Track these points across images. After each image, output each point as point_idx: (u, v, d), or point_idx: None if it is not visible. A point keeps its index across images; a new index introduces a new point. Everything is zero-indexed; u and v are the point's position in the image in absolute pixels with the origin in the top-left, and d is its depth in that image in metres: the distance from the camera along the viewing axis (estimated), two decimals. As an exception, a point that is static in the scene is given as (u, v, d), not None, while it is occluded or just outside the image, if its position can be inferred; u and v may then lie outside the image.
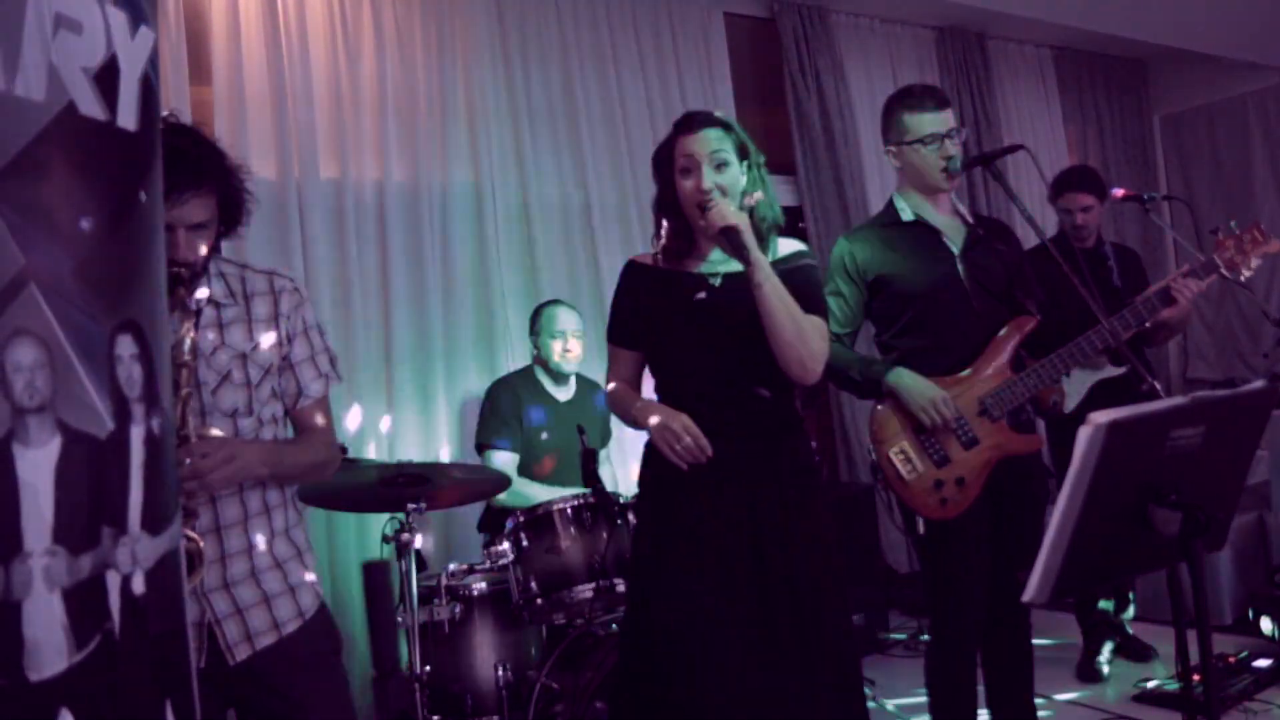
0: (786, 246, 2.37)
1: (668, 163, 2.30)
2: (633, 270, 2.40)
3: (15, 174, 0.99)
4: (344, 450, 2.99)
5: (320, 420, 2.09)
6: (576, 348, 3.61)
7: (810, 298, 2.27)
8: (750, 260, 2.14)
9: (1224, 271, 2.89)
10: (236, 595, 1.93)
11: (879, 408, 2.68)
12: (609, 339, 2.44)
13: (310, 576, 2.05)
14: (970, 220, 2.80)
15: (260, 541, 1.97)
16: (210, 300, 1.95)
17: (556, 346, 3.59)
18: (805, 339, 2.19)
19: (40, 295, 1.01)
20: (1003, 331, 2.69)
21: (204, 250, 1.86)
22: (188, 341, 1.78)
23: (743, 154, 2.28)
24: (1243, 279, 2.92)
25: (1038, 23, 5.76)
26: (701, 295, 2.28)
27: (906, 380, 2.62)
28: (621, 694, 2.29)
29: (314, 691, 2.01)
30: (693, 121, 2.28)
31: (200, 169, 1.82)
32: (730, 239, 2.15)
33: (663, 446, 2.18)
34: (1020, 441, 2.68)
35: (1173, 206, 6.13)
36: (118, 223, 1.13)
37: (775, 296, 2.16)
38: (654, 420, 2.20)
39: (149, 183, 1.19)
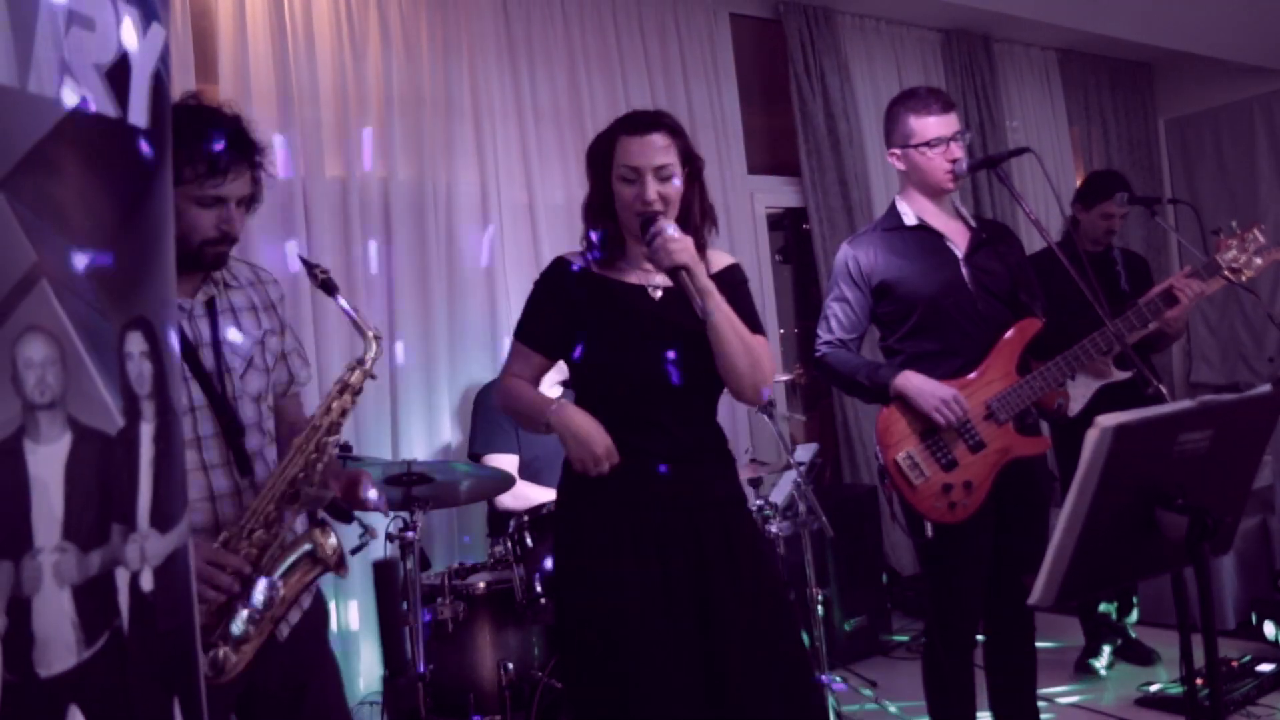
0: (717, 259, 2.25)
1: (604, 162, 2.14)
2: (562, 271, 2.21)
3: (28, 171, 0.99)
4: (348, 448, 3.00)
5: (302, 411, 2.14)
6: None
7: (751, 316, 2.18)
8: (702, 298, 2.02)
9: (1227, 273, 2.87)
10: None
11: (885, 412, 2.66)
12: (518, 335, 2.24)
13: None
14: (973, 223, 2.80)
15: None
16: (224, 285, 2.00)
17: None
18: (759, 365, 2.11)
19: (52, 291, 1.01)
20: (1008, 334, 2.68)
21: (242, 224, 1.93)
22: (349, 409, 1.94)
23: (684, 160, 2.13)
24: (1244, 280, 2.91)
25: (1043, 25, 5.76)
26: (641, 309, 2.15)
27: (916, 382, 2.61)
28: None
29: (319, 667, 2.04)
30: (638, 123, 2.12)
31: (249, 144, 1.90)
32: (679, 281, 2.03)
33: (577, 460, 2.08)
34: (1027, 444, 2.68)
35: (1178, 210, 6.12)
36: (129, 220, 1.13)
37: (728, 327, 2.06)
38: (577, 430, 2.07)
39: (160, 179, 1.19)
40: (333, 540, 1.92)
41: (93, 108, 1.07)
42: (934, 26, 5.64)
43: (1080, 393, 3.64)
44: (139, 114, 1.14)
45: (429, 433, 3.88)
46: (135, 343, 1.13)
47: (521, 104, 4.22)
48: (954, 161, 2.68)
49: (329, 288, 1.97)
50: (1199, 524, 1.58)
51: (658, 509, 2.10)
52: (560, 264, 2.23)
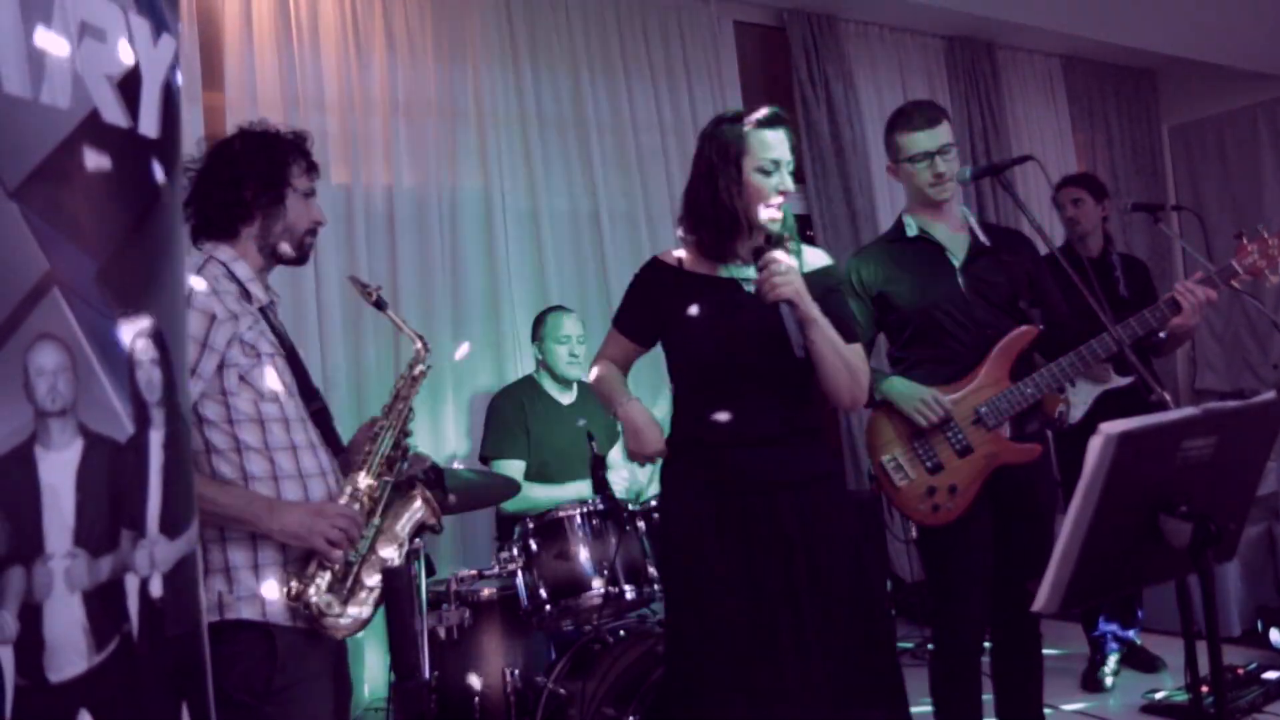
0: (812, 257, 2.38)
1: (733, 152, 2.24)
2: (657, 266, 2.38)
3: (40, 180, 1.00)
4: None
5: None
6: (581, 351, 3.62)
7: (845, 323, 2.29)
8: (804, 329, 2.13)
9: (1241, 277, 2.83)
10: None
11: (873, 415, 2.73)
12: (616, 324, 2.44)
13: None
14: (979, 232, 2.81)
15: None
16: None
17: (562, 352, 3.60)
18: (856, 375, 2.24)
19: (63, 299, 1.02)
20: (1001, 342, 2.70)
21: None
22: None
23: None
24: (1271, 283, 2.85)
25: (1047, 32, 5.76)
26: (744, 299, 2.26)
27: (898, 386, 2.68)
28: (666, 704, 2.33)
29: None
30: (778, 118, 2.27)
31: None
32: (785, 316, 2.13)
33: (632, 453, 2.30)
34: (1015, 451, 2.69)
35: (1182, 217, 6.12)
36: (139, 229, 1.14)
37: (829, 349, 2.18)
38: (636, 428, 2.29)
39: (169, 189, 1.20)
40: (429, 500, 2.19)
41: (104, 118, 1.08)
42: (937, 33, 5.65)
43: (1081, 400, 3.64)
44: (149, 124, 1.15)
45: (435, 440, 3.89)
46: (145, 350, 1.14)
47: (525, 110, 4.23)
48: (938, 175, 2.71)
49: (381, 305, 2.25)
50: (1203, 531, 1.58)
51: (738, 492, 2.21)
52: (656, 261, 2.40)
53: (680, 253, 2.37)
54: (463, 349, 3.95)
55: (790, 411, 2.29)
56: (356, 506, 2.04)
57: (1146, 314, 2.83)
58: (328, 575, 1.97)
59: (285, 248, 2.13)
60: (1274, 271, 2.79)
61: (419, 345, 2.27)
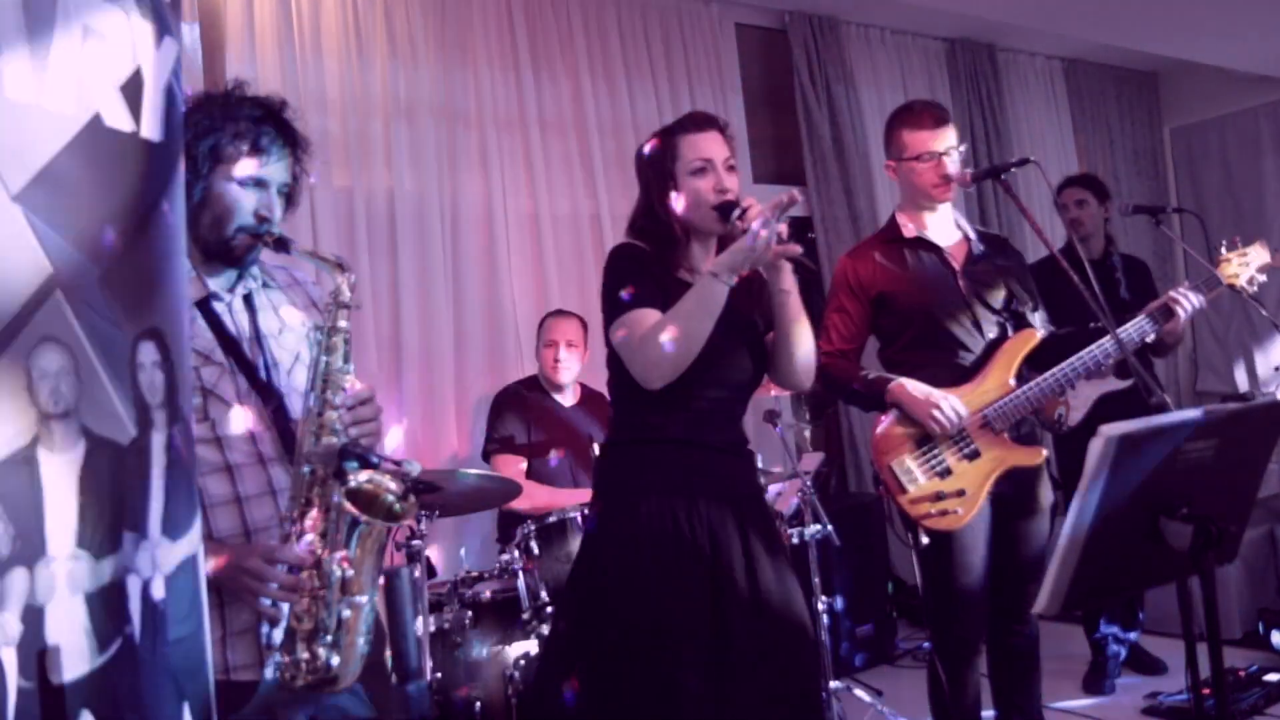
0: None
1: (665, 163, 2.19)
2: (637, 250, 2.23)
3: (43, 184, 1.00)
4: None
5: None
6: (569, 357, 3.59)
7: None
8: (807, 266, 2.12)
9: (1237, 286, 2.86)
10: None
11: (881, 420, 2.70)
12: (632, 305, 2.13)
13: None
14: (972, 235, 2.82)
15: None
16: (263, 283, 1.92)
17: (547, 356, 3.61)
18: (812, 347, 2.24)
19: (66, 303, 1.02)
20: (1005, 346, 2.71)
21: (280, 216, 1.83)
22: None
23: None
24: (1246, 293, 2.90)
25: (1048, 35, 5.77)
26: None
27: (911, 389, 2.64)
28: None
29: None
30: (702, 121, 2.22)
31: (292, 131, 1.84)
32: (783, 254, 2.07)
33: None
34: (1022, 454, 2.69)
35: (1183, 219, 6.12)
36: (141, 232, 1.14)
37: (799, 304, 2.17)
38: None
39: (172, 193, 1.20)
40: (364, 482, 1.68)
41: (107, 122, 1.09)
42: (938, 36, 5.66)
43: (1081, 402, 3.63)
44: (152, 127, 1.15)
45: (436, 441, 3.90)
46: (147, 353, 1.14)
47: (526, 113, 4.24)
48: (944, 176, 2.70)
49: (284, 245, 1.81)
50: (1203, 533, 1.58)
51: (708, 497, 2.14)
52: (630, 245, 2.25)
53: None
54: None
55: (740, 424, 2.28)
56: (309, 538, 1.65)
57: (1143, 319, 2.83)
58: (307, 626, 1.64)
59: (214, 245, 1.77)
60: (1252, 284, 2.85)
61: (334, 264, 1.82)
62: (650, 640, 2.05)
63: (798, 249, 2.06)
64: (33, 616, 0.97)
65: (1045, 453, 2.75)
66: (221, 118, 1.76)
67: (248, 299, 1.87)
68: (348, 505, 1.63)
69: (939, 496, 2.62)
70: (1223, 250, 2.90)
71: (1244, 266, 2.85)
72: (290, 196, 1.89)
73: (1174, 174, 6.91)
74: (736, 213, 2.10)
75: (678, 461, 2.15)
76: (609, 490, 2.22)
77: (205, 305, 1.79)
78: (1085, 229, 3.90)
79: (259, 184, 1.78)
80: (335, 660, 1.64)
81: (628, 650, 2.07)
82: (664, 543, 2.10)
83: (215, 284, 1.82)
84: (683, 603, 2.07)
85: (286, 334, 1.89)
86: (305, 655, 1.64)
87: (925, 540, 2.62)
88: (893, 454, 2.66)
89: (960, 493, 2.62)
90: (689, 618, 2.07)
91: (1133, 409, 2.39)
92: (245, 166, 1.76)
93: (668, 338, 2.03)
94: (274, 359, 1.84)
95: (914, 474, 2.64)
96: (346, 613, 1.64)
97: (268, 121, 1.80)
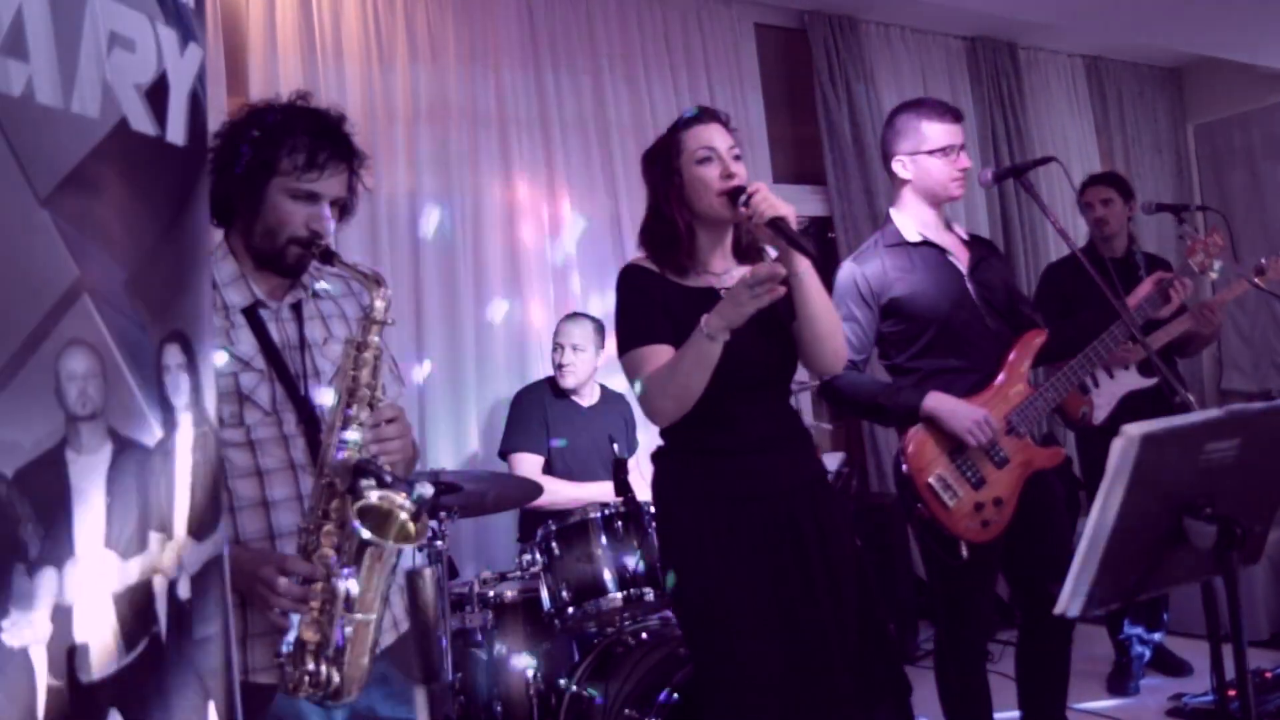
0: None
1: (670, 159, 2.19)
2: (643, 273, 2.23)
3: (71, 188, 1.01)
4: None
5: None
6: (576, 360, 3.59)
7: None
8: (805, 249, 2.05)
9: (1257, 279, 2.91)
10: None
11: (912, 433, 2.59)
12: (645, 340, 2.14)
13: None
14: (964, 236, 2.81)
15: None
16: (314, 292, 1.93)
17: (554, 359, 3.62)
18: (838, 327, 2.23)
19: (93, 306, 1.03)
20: (1016, 347, 2.68)
21: (333, 229, 1.84)
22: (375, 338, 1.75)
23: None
24: (1211, 278, 3.09)
25: (1070, 32, 5.73)
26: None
27: (948, 403, 2.56)
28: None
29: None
30: (705, 114, 2.22)
31: (349, 147, 1.86)
32: (782, 228, 2.04)
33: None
34: (1045, 455, 2.67)
35: (1207, 217, 6.07)
36: (167, 236, 1.15)
37: (817, 286, 2.15)
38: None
39: (196, 197, 1.22)
40: (378, 500, 1.65)
41: (133, 127, 1.10)
42: (959, 34, 5.63)
43: (1106, 400, 3.62)
44: (177, 132, 1.17)
45: (456, 443, 3.91)
46: (173, 355, 1.15)
47: (547, 114, 4.25)
48: (963, 170, 2.67)
49: (329, 257, 1.80)
50: (1227, 533, 1.57)
51: (753, 500, 2.15)
52: (636, 268, 2.25)
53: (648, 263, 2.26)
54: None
55: (785, 415, 2.29)
56: (323, 551, 1.66)
57: (1144, 303, 2.85)
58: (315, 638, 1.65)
59: (265, 254, 1.81)
60: (1212, 269, 2.99)
61: (371, 280, 1.78)
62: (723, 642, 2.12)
63: (781, 292, 1.99)
64: (62, 616, 0.98)
65: (1064, 453, 2.74)
66: (279, 129, 1.79)
67: (296, 308, 1.89)
68: (358, 524, 1.61)
69: (978, 507, 2.56)
70: (1187, 240, 3.05)
71: (1209, 255, 2.99)
72: (345, 208, 1.91)
73: (1198, 172, 6.86)
74: (742, 198, 2.09)
75: (721, 470, 2.17)
76: (661, 500, 2.27)
77: (252, 312, 1.82)
78: (1110, 228, 3.88)
79: (311, 197, 1.79)
80: (336, 677, 1.64)
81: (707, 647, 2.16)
82: (717, 550, 2.14)
83: (264, 292, 1.85)
84: (748, 600, 2.11)
85: (332, 344, 1.90)
86: (309, 668, 1.65)
87: (965, 554, 2.55)
88: (928, 470, 2.56)
89: (998, 501, 2.57)
90: (755, 617, 2.11)
91: (1158, 408, 2.39)
92: (298, 180, 1.78)
93: (667, 394, 2.09)
94: (315, 368, 1.86)
95: (953, 488, 2.55)
96: (349, 630, 1.64)
97: (324, 135, 1.82)
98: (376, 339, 1.75)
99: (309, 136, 1.78)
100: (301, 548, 1.69)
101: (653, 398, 2.11)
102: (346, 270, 1.81)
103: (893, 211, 2.80)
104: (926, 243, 2.72)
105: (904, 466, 2.59)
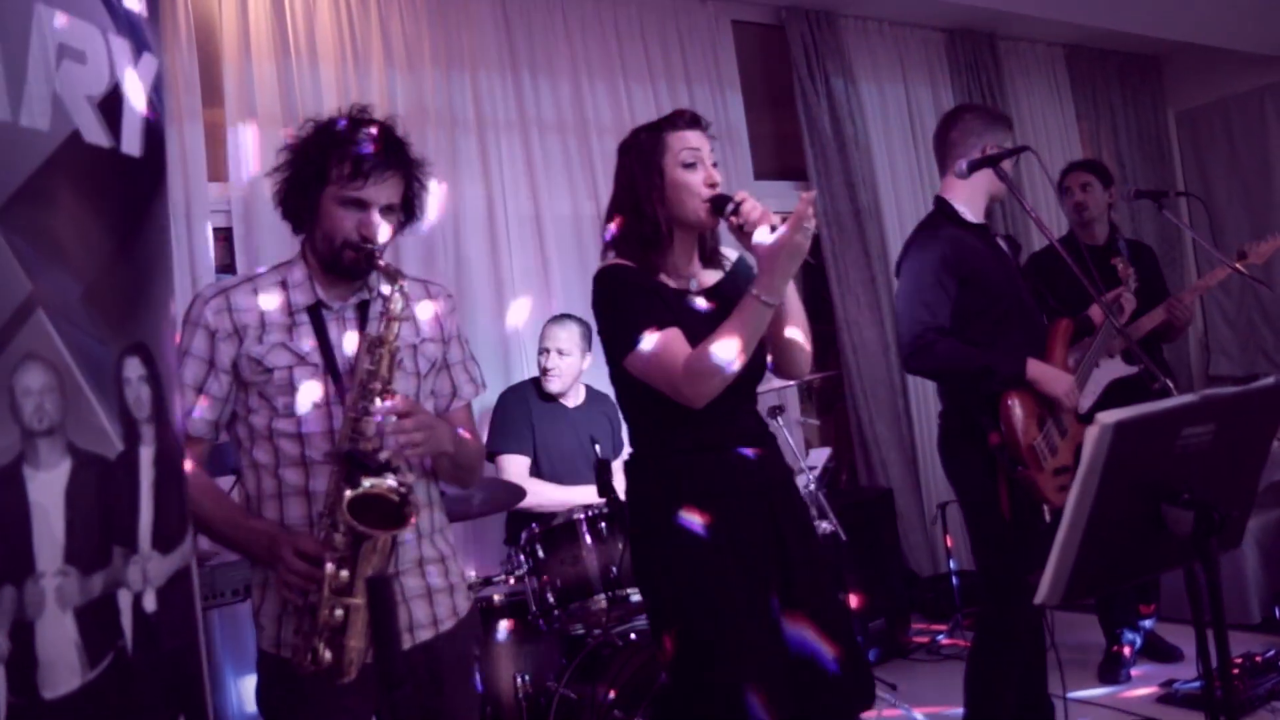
0: (729, 253, 2.33)
1: (655, 155, 2.16)
2: (627, 270, 2.17)
3: (22, 202, 1.01)
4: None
5: (470, 425, 2.15)
6: (561, 365, 3.57)
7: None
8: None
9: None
10: (402, 584, 1.91)
11: (1012, 399, 2.70)
12: (652, 330, 2.07)
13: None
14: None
15: (413, 538, 1.95)
16: (378, 295, 1.97)
17: (540, 362, 3.61)
18: (808, 332, 2.23)
19: (48, 320, 1.03)
20: (1058, 331, 2.86)
21: (388, 234, 1.93)
22: (395, 328, 1.85)
23: None
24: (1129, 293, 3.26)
25: (1049, 21, 5.74)
26: (702, 306, 2.18)
27: (1046, 369, 2.74)
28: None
29: (455, 694, 1.99)
30: (690, 118, 2.20)
31: (399, 152, 1.95)
32: (765, 240, 2.01)
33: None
34: (1084, 431, 2.73)
35: (1190, 203, 6.09)
36: (124, 247, 1.15)
37: (794, 293, 2.16)
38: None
39: (153, 208, 1.21)
40: (369, 487, 1.74)
41: (85, 139, 1.09)
42: (938, 26, 5.63)
43: (1092, 387, 3.62)
44: (132, 143, 1.16)
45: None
46: (133, 367, 1.15)
47: (525, 115, 4.23)
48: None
49: (370, 259, 1.90)
50: (1205, 519, 1.57)
51: (738, 495, 2.14)
52: (619, 266, 2.18)
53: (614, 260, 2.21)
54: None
55: (755, 414, 2.28)
56: (337, 537, 1.75)
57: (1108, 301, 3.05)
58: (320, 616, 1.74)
59: (326, 259, 1.92)
60: (1127, 288, 3.24)
61: (391, 281, 1.88)
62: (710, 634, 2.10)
63: (814, 224, 2.02)
64: (22, 633, 0.97)
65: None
66: (330, 141, 1.91)
67: (361, 308, 1.98)
68: (347, 513, 1.71)
69: (1058, 472, 2.70)
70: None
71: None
72: (410, 213, 2.01)
73: (1180, 158, 6.87)
74: (730, 207, 2.08)
75: (698, 468, 2.15)
76: (639, 505, 2.24)
77: (315, 311, 1.93)
78: (1090, 212, 3.88)
79: (359, 204, 1.88)
80: (327, 655, 1.73)
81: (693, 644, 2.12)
82: (700, 549, 2.12)
83: (330, 294, 1.95)
84: (729, 600, 2.09)
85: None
86: (310, 646, 1.73)
87: (1048, 518, 2.65)
88: (1028, 433, 2.70)
89: (1068, 468, 2.68)
90: (737, 616, 2.09)
91: (1141, 396, 2.41)
92: (345, 188, 1.87)
93: (722, 373, 2.02)
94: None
95: (1046, 452, 2.71)
96: (340, 613, 1.73)
97: (371, 145, 1.91)
98: (393, 334, 1.85)
99: (355, 146, 1.89)
100: (321, 531, 1.79)
101: (704, 378, 2.03)
102: (376, 269, 1.91)
103: (948, 197, 2.88)
104: (981, 226, 2.87)
105: (1001, 430, 2.69)
